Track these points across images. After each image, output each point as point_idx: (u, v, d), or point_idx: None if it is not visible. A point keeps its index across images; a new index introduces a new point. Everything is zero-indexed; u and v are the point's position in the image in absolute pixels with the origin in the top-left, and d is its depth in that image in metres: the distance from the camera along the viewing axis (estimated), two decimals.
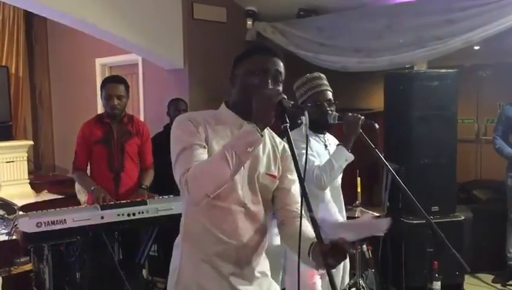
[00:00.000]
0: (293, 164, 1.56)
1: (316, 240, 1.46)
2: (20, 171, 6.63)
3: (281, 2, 5.35)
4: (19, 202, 5.13)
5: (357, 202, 3.55)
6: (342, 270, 2.80)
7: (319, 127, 2.73)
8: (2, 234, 4.10)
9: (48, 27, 7.66)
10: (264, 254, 1.85)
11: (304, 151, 1.67)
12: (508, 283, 4.47)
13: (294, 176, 1.81)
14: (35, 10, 5.07)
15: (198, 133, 1.66)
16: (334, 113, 2.67)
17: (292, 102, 1.58)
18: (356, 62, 4.83)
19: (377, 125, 2.58)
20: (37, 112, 7.92)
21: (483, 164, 5.75)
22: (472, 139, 5.86)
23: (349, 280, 3.22)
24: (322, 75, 2.80)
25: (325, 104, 2.69)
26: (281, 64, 1.74)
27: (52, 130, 7.89)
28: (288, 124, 1.56)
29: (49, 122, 7.88)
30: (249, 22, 5.49)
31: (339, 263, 1.42)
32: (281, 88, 1.71)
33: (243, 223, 1.72)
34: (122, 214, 2.97)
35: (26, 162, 6.76)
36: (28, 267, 3.56)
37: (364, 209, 3.52)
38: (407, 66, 4.81)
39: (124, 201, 3.18)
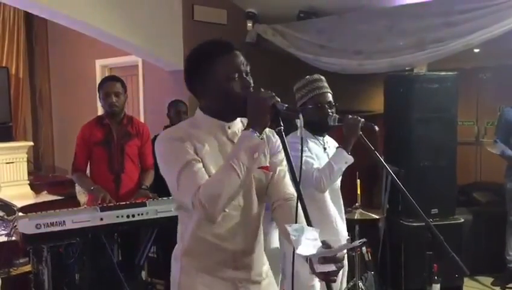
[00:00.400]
0: (285, 159, 1.54)
1: None
2: (19, 172, 6.62)
3: (281, 4, 5.35)
4: (19, 203, 5.12)
5: (357, 204, 3.56)
6: (341, 273, 2.80)
7: (319, 129, 2.73)
8: (1, 235, 4.09)
9: (48, 28, 7.67)
10: (264, 256, 1.84)
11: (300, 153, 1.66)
12: (507, 286, 4.46)
13: (285, 168, 1.78)
14: (35, 11, 5.08)
15: (188, 148, 1.60)
16: (334, 115, 2.67)
17: (286, 105, 1.57)
18: (356, 64, 4.84)
19: (377, 128, 2.58)
20: (37, 113, 7.92)
21: (483, 166, 5.76)
22: (472, 142, 5.86)
23: (349, 282, 3.22)
24: (322, 77, 2.80)
25: (326, 106, 2.69)
26: (241, 54, 1.67)
27: (52, 131, 7.89)
28: (282, 127, 1.55)
29: (49, 123, 7.88)
30: (249, 24, 5.50)
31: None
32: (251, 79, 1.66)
33: (238, 225, 1.70)
34: (122, 216, 2.96)
35: (26, 163, 6.76)
36: (27, 268, 3.55)
37: (364, 211, 3.53)
38: (407, 68, 4.81)
39: (123, 202, 3.18)
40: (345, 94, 4.23)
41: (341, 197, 2.83)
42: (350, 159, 2.58)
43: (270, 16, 5.51)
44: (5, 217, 4.64)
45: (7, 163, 6.53)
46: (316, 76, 2.80)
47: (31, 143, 7.15)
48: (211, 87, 1.66)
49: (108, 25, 4.70)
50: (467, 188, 5.12)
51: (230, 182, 1.51)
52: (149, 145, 3.70)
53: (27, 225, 2.73)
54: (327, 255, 1.40)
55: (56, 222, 2.77)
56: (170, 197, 3.18)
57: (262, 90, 1.60)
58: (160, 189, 3.51)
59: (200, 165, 1.60)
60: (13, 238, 2.99)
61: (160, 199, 3.28)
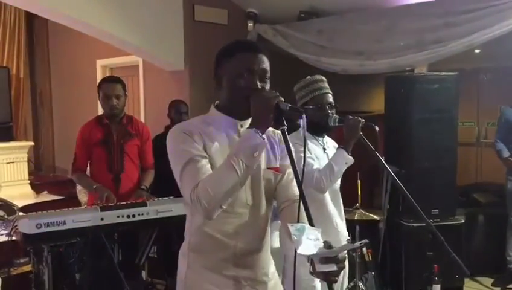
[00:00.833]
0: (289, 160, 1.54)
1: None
2: (20, 172, 6.63)
3: (282, 4, 5.35)
4: (19, 203, 5.14)
5: (357, 205, 3.56)
6: (342, 273, 2.80)
7: (319, 129, 2.73)
8: (1, 235, 4.10)
9: (49, 28, 7.67)
10: (270, 255, 1.83)
11: (303, 154, 1.66)
12: (508, 286, 4.46)
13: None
14: (36, 11, 5.08)
15: (196, 143, 1.62)
16: (334, 115, 2.67)
17: (289, 104, 1.57)
18: (357, 65, 4.84)
19: (377, 128, 2.58)
20: (38, 112, 7.93)
21: (484, 167, 5.76)
22: (472, 143, 5.86)
23: (349, 282, 3.21)
24: (323, 78, 2.80)
25: (326, 107, 2.69)
26: (266, 60, 1.68)
27: (53, 131, 7.89)
28: (286, 127, 1.56)
29: (50, 123, 7.88)
30: (250, 24, 5.50)
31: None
32: (268, 86, 1.67)
33: (246, 224, 1.70)
34: (122, 216, 2.96)
35: (26, 163, 6.76)
36: (28, 268, 3.55)
37: (365, 212, 3.53)
38: (407, 68, 4.81)
39: (124, 202, 3.18)
40: (345, 95, 4.24)
41: (341, 197, 2.83)
42: (350, 160, 2.58)
43: (271, 16, 5.51)
44: (6, 216, 4.65)
45: (8, 163, 6.53)
46: (317, 76, 2.80)
47: (32, 143, 7.16)
48: (224, 82, 1.69)
49: (109, 25, 4.71)
50: (467, 189, 5.12)
51: (228, 180, 1.52)
52: (149, 145, 3.70)
53: (27, 225, 2.73)
54: (329, 255, 1.40)
55: (56, 222, 2.77)
56: (170, 198, 3.19)
57: (267, 89, 1.61)
58: (161, 189, 3.52)
59: (205, 161, 1.61)
60: (13, 238, 2.99)
61: (159, 199, 3.28)
